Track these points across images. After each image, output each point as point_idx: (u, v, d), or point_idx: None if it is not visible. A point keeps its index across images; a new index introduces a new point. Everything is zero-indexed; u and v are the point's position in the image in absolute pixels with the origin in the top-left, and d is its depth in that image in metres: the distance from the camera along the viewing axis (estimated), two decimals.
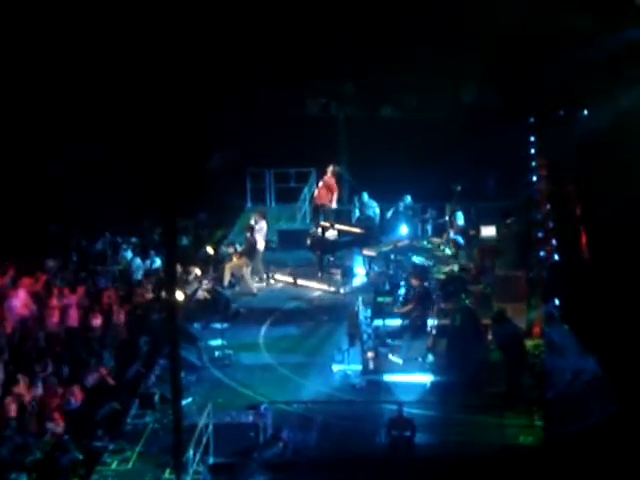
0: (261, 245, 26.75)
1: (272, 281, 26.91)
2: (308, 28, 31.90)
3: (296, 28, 32.01)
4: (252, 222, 26.92)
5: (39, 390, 19.99)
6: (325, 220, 27.97)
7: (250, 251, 26.38)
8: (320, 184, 28.78)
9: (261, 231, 26.81)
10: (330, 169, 28.60)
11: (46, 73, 30.84)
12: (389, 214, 29.04)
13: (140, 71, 29.49)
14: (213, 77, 32.36)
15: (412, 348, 21.95)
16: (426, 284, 23.51)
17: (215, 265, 26.83)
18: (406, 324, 22.53)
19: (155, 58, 28.15)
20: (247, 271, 26.25)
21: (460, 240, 26.60)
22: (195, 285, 25.24)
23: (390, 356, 21.58)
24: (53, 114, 30.99)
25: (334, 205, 28.71)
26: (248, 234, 26.60)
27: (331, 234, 27.23)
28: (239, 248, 26.57)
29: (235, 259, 26.36)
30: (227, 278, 26.22)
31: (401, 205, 28.82)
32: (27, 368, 20.64)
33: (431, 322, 22.35)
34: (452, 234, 26.97)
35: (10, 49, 29.97)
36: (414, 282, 23.34)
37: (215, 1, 31.34)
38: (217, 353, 22.42)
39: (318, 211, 28.87)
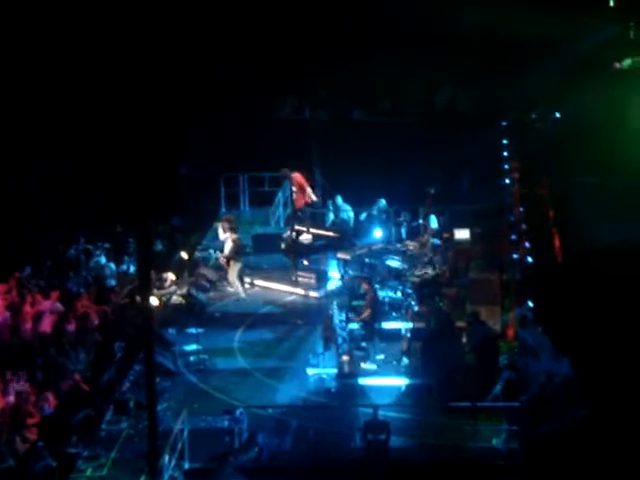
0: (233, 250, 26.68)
1: (247, 285, 26.86)
2: (281, 32, 31.95)
3: (269, 33, 32.06)
4: (221, 228, 26.87)
5: (12, 397, 19.87)
6: (300, 224, 27.95)
7: (237, 253, 26.31)
8: (293, 189, 28.82)
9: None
10: (291, 174, 28.71)
11: (20, 73, 30.83)
12: (363, 217, 29.09)
13: (112, 77, 29.49)
14: (186, 81, 32.37)
15: (381, 352, 22.06)
16: (376, 287, 23.48)
17: (190, 270, 26.74)
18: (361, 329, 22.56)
19: (127, 65, 28.13)
20: (233, 274, 26.20)
21: (437, 242, 26.66)
22: (170, 290, 25.16)
23: (362, 364, 21.63)
24: (25, 117, 30.90)
25: (314, 198, 28.70)
26: (234, 236, 26.45)
27: (305, 238, 27.22)
28: (225, 253, 26.45)
29: (224, 264, 26.29)
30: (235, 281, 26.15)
31: (375, 209, 28.86)
32: (0, 375, 20.51)
33: (386, 325, 22.48)
34: (430, 237, 27.00)
35: None
36: (364, 286, 23.31)
37: (185, 6, 31.37)
38: (192, 358, 22.36)
39: (295, 215, 28.87)
